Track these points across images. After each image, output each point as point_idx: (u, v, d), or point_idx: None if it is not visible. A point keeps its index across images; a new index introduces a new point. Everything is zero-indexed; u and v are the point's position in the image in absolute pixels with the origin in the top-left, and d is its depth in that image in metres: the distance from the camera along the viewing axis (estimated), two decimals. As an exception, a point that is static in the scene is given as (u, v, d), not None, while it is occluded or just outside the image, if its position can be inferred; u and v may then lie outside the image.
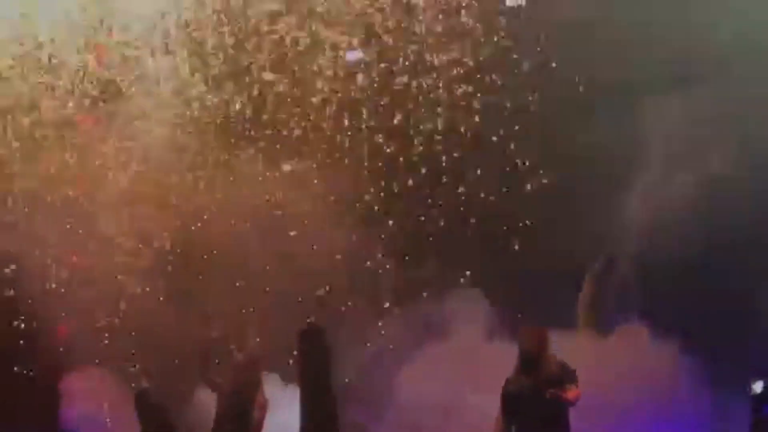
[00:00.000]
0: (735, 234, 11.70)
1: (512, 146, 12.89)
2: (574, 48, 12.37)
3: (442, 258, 13.17)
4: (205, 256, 13.41)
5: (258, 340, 11.61)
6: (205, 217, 13.38)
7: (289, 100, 13.32)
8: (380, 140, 13.30)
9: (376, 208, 13.29)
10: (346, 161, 13.35)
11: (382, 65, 13.19)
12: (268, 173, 13.38)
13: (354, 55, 13.35)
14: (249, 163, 13.43)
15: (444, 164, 13.17)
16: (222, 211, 13.29)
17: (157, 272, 13.30)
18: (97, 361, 13.37)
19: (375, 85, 13.27)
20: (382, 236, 13.26)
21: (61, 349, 13.40)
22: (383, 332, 13.13)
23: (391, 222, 13.27)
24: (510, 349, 11.28)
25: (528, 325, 9.61)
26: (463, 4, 12.97)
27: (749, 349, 11.45)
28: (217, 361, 10.91)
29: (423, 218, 13.22)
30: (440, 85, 13.12)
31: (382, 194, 13.29)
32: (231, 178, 13.39)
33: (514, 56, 12.88)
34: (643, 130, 12.45)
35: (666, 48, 12.04)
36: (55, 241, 13.27)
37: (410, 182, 13.25)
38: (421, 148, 13.22)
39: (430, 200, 13.24)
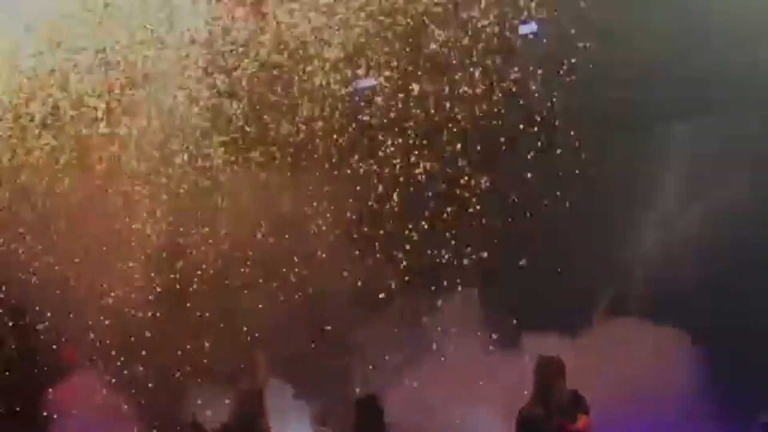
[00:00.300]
0: (752, 260, 11.63)
1: (527, 169, 12.90)
2: (589, 74, 12.39)
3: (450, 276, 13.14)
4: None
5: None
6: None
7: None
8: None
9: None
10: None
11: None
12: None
13: (365, 83, 13.35)
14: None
15: (456, 182, 13.15)
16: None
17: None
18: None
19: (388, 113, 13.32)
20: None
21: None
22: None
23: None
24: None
25: (544, 355, 9.61)
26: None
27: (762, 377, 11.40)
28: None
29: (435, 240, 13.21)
30: (455, 106, 13.14)
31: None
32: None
33: (529, 82, 12.84)
34: (658, 157, 12.43)
35: (683, 75, 12.05)
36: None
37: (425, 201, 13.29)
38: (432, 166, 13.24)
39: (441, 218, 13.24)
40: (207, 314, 13.30)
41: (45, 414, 13.54)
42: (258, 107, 13.44)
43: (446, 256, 13.03)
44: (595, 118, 12.28)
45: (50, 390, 13.61)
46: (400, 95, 13.13)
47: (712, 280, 11.56)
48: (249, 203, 13.27)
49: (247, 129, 13.50)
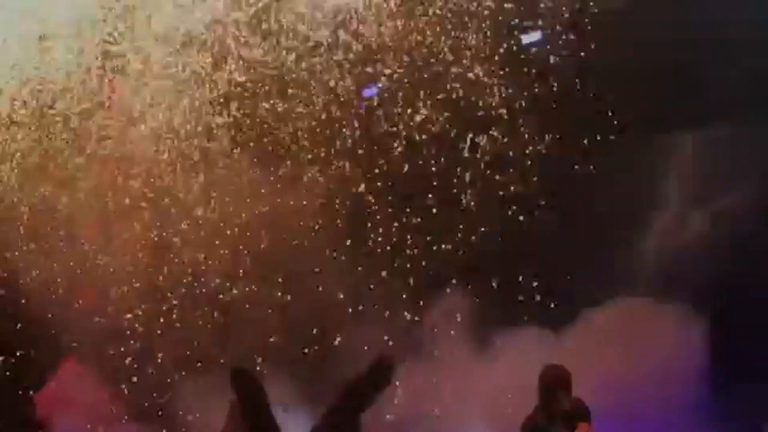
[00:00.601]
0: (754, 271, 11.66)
1: (525, 181, 12.96)
2: (590, 84, 12.45)
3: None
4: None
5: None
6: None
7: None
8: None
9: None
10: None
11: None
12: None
13: (370, 91, 13.42)
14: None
15: (453, 196, 13.25)
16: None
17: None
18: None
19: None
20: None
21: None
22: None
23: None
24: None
25: (549, 364, 9.66)
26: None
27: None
28: None
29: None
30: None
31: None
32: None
33: (526, 93, 12.93)
34: (660, 168, 12.47)
35: (684, 86, 12.07)
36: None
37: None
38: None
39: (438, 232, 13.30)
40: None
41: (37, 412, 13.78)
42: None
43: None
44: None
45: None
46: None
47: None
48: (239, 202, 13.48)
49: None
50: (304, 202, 13.39)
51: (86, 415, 13.68)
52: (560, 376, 9.44)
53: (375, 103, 13.41)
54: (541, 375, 9.48)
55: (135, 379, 13.61)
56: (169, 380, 13.51)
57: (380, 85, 13.34)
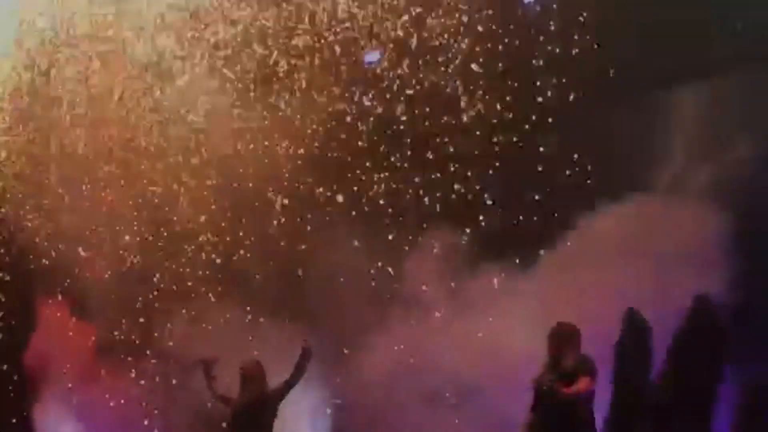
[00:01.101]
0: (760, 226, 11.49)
1: (531, 138, 12.90)
2: (595, 41, 12.33)
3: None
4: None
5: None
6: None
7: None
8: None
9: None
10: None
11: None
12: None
13: (372, 57, 13.35)
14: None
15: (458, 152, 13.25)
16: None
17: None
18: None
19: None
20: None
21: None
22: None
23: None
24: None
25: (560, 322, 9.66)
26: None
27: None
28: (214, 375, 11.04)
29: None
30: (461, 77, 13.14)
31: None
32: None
33: (534, 50, 12.81)
34: (664, 122, 12.36)
35: (686, 38, 11.93)
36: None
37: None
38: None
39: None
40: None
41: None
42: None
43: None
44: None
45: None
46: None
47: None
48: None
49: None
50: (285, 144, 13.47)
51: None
52: (567, 334, 9.49)
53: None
54: (551, 333, 9.55)
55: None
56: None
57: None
